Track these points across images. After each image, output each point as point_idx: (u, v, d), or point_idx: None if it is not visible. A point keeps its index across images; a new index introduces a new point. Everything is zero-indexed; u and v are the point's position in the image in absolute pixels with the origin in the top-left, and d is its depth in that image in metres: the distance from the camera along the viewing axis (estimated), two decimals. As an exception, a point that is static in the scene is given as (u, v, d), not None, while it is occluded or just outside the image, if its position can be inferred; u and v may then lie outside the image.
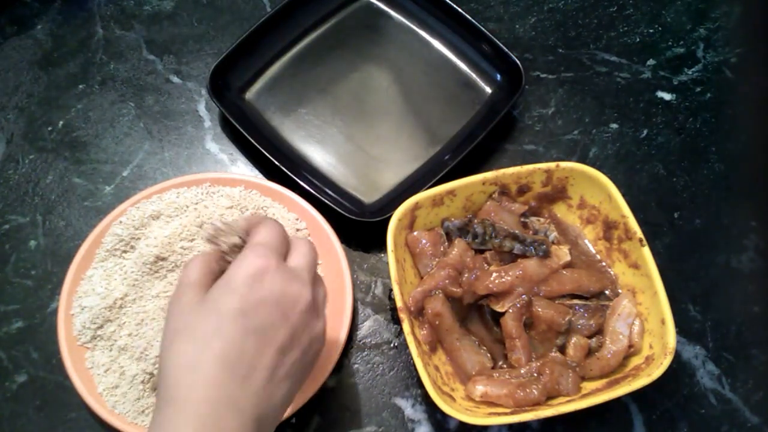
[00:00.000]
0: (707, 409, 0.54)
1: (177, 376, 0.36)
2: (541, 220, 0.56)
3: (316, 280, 0.42)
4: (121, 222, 0.55)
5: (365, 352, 0.55)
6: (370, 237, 0.58)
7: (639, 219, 0.51)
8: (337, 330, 0.52)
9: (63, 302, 0.52)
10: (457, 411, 0.45)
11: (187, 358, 0.36)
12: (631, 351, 0.50)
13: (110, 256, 0.54)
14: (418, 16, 0.69)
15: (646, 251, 0.50)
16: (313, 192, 0.57)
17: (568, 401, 0.47)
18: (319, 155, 0.62)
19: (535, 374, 0.49)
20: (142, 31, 0.69)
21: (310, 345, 0.40)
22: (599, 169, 0.53)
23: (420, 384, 0.53)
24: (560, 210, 0.57)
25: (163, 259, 0.53)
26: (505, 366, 0.51)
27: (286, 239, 0.42)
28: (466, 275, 0.51)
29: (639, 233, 0.51)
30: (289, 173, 0.57)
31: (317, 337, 0.41)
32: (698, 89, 0.68)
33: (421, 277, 0.53)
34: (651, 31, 0.71)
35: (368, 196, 0.61)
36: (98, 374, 0.51)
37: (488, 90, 0.66)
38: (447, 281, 0.50)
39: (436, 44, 0.68)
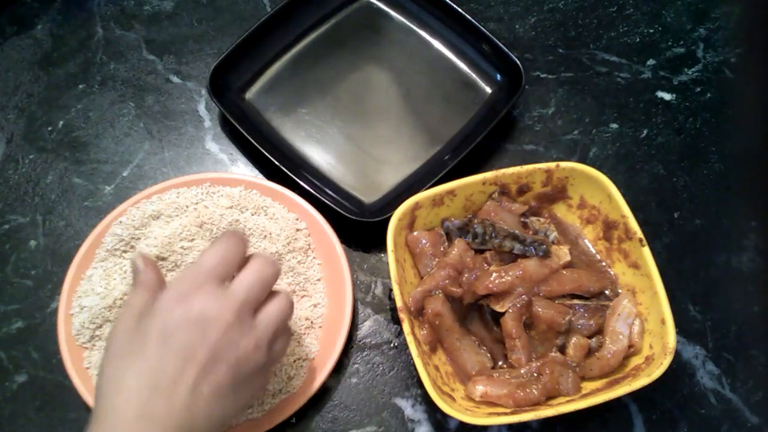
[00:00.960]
0: (707, 409, 0.54)
1: (103, 394, 0.38)
2: (541, 220, 0.56)
3: (264, 302, 0.43)
4: (121, 222, 0.55)
5: (365, 352, 0.55)
6: (370, 237, 0.58)
7: (639, 219, 0.51)
8: (337, 330, 0.52)
9: (63, 302, 0.52)
10: (457, 411, 0.45)
11: (114, 377, 0.39)
12: (631, 351, 0.50)
13: (110, 255, 0.54)
14: (418, 16, 0.69)
15: (646, 251, 0.50)
16: (313, 192, 0.57)
17: (568, 401, 0.47)
18: (319, 155, 0.62)
19: (535, 374, 0.49)
20: (142, 31, 0.69)
21: (239, 365, 0.40)
22: (599, 169, 0.53)
23: (420, 384, 0.53)
24: (560, 210, 0.57)
25: (163, 259, 0.53)
26: (505, 366, 0.51)
27: (234, 258, 0.43)
28: (466, 275, 0.51)
29: (639, 233, 0.51)
30: (289, 173, 0.57)
31: (247, 357, 0.41)
32: (698, 89, 0.68)
33: (421, 277, 0.53)
34: (651, 31, 0.71)
35: (368, 196, 0.61)
36: (96, 375, 0.51)
37: (488, 90, 0.66)
38: (447, 281, 0.50)
39: (436, 44, 0.68)
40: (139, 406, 0.37)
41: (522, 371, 0.49)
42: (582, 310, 0.51)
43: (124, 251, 0.55)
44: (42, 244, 0.58)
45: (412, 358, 0.47)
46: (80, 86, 0.66)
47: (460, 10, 0.65)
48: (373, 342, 0.56)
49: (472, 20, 0.65)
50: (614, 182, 0.52)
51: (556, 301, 0.51)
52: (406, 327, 0.48)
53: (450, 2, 0.66)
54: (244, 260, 0.44)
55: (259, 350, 0.41)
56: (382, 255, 0.59)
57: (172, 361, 0.38)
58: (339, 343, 0.52)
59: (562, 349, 0.51)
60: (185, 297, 0.40)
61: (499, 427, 0.53)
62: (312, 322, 0.54)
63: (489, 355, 0.52)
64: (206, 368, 0.39)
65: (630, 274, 0.52)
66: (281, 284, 0.54)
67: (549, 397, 0.48)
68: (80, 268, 0.54)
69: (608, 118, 0.66)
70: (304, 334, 0.54)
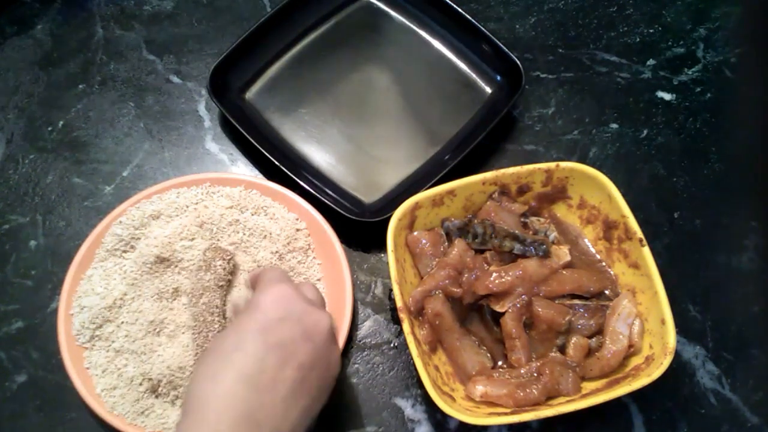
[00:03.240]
0: (707, 409, 0.54)
1: (199, 389, 0.37)
2: (541, 220, 0.56)
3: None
4: (121, 222, 0.55)
5: (365, 352, 0.55)
6: (370, 237, 0.58)
7: (639, 219, 0.51)
8: (337, 330, 0.52)
9: (63, 302, 0.52)
10: (457, 411, 0.45)
11: (209, 372, 0.38)
12: (631, 351, 0.50)
13: (110, 256, 0.54)
14: (418, 16, 0.69)
15: (646, 251, 0.50)
16: (313, 192, 0.57)
17: (568, 401, 0.47)
18: (319, 155, 0.62)
19: (535, 374, 0.49)
20: (142, 31, 0.69)
21: (328, 369, 0.41)
22: (599, 169, 0.53)
23: (420, 384, 0.53)
24: (560, 210, 0.57)
25: (164, 258, 0.53)
26: (505, 366, 0.51)
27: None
28: (466, 275, 0.51)
29: (639, 233, 0.51)
30: (289, 173, 0.57)
31: (335, 363, 0.42)
32: (698, 89, 0.68)
33: (421, 277, 0.53)
34: (651, 31, 0.71)
35: (368, 196, 0.61)
36: (96, 375, 0.51)
37: (488, 90, 0.66)
38: (447, 281, 0.50)
39: (436, 44, 0.68)
40: (235, 404, 0.36)
41: (522, 371, 0.49)
42: (582, 310, 0.51)
43: (124, 251, 0.54)
44: (42, 244, 0.58)
45: (412, 358, 0.47)
46: (80, 86, 0.66)
47: (460, 10, 0.65)
48: (373, 342, 0.56)
49: (472, 20, 0.65)
50: (614, 182, 0.52)
51: (556, 301, 0.51)
52: (406, 327, 0.48)
53: (450, 2, 0.66)
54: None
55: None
56: (382, 255, 0.59)
57: (272, 356, 0.38)
58: (339, 344, 0.51)
59: (562, 349, 0.51)
60: (285, 297, 0.41)
61: (499, 427, 0.53)
62: (312, 322, 0.54)
63: (489, 355, 0.52)
64: (304, 367, 0.39)
65: (630, 274, 0.52)
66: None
67: (549, 397, 0.48)
68: (80, 268, 0.54)
69: (608, 118, 0.66)
70: (304, 334, 0.54)
